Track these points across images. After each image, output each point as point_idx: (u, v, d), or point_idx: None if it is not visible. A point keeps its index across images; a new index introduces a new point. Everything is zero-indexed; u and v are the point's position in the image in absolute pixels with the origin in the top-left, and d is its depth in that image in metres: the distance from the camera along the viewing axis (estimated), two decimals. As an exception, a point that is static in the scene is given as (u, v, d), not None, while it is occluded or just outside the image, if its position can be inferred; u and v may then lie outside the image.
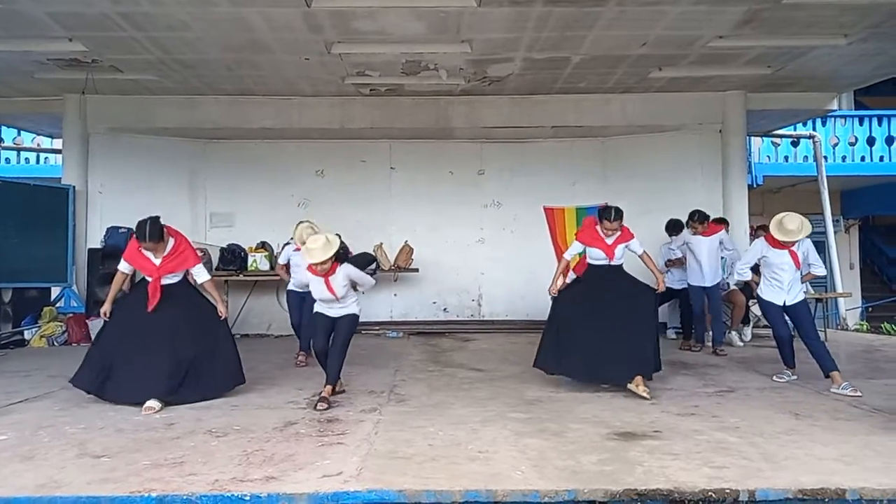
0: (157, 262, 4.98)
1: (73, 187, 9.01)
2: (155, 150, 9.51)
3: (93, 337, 8.06)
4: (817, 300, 8.56)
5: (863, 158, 13.13)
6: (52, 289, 9.02)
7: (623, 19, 6.57)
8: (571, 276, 6.24)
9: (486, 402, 4.86)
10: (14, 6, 6.17)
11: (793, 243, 5.43)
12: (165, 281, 5.03)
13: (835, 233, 11.91)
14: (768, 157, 13.18)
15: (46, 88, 8.74)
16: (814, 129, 12.39)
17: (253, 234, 9.47)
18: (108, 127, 9.29)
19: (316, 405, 4.70)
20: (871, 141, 13.13)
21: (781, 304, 5.53)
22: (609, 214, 5.46)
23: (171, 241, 5.07)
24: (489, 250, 9.98)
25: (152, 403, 4.66)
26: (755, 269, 5.86)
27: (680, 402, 4.82)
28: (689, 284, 7.50)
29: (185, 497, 2.95)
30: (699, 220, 7.40)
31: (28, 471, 3.32)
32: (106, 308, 5.05)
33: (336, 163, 9.90)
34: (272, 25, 6.67)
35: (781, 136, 12.44)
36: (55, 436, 3.97)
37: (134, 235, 4.98)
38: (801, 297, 5.57)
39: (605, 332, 5.18)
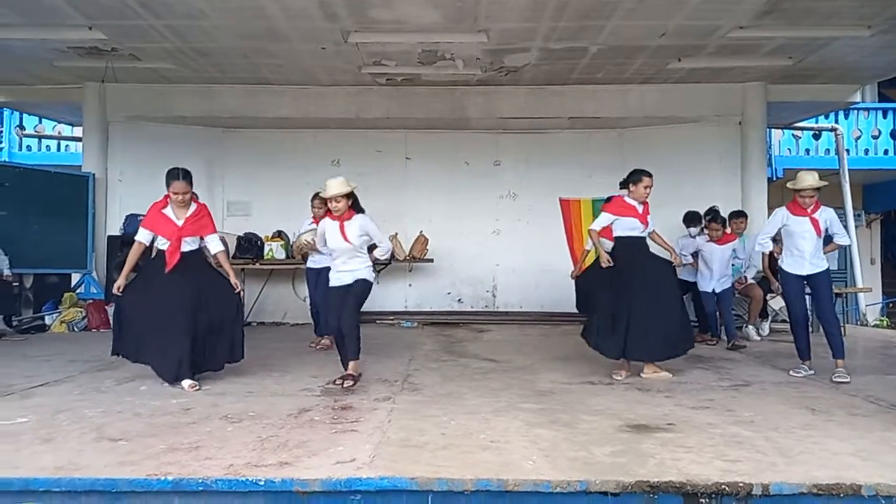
0: (180, 222, 5.01)
1: (93, 175, 9.12)
2: (173, 139, 9.57)
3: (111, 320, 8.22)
4: (836, 295, 8.45)
5: (886, 152, 12.92)
6: (73, 275, 9.16)
7: (641, 9, 6.51)
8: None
9: (499, 393, 4.86)
10: (35, -6, 6.25)
11: (813, 206, 5.38)
12: (184, 248, 5.03)
13: (856, 227, 11.76)
14: (789, 149, 13.01)
15: (66, 76, 8.84)
16: (836, 121, 12.23)
17: (269, 222, 9.51)
18: (127, 115, 9.39)
19: (343, 383, 4.86)
20: (894, 134, 12.91)
21: (803, 274, 5.45)
22: (646, 172, 5.45)
23: (193, 206, 5.13)
24: (504, 241, 9.97)
25: (193, 382, 4.85)
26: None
27: (695, 396, 4.79)
28: (700, 291, 7.49)
29: (200, 481, 2.98)
30: (723, 224, 7.36)
31: (47, 453, 3.37)
32: (120, 282, 4.96)
33: (352, 152, 9.91)
34: (288, 14, 6.68)
35: (802, 129, 12.27)
36: (74, 419, 4.03)
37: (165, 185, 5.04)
38: (823, 266, 5.45)
39: (639, 313, 5.24)
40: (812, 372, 5.52)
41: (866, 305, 11.26)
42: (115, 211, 9.26)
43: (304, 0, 6.34)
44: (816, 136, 12.79)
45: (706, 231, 7.45)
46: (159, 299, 4.90)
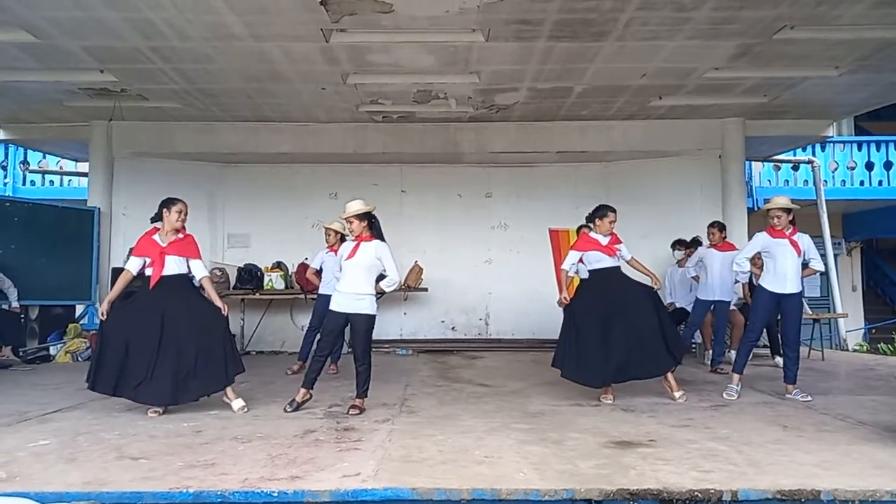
0: (164, 244, 5.20)
1: (99, 209, 9.42)
2: (176, 174, 9.87)
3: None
4: (815, 320, 8.80)
5: (861, 183, 13.42)
6: (77, 306, 9.39)
7: (623, 53, 6.95)
8: None
9: (492, 415, 5.14)
10: (53, 41, 6.62)
11: (791, 230, 5.75)
12: (169, 270, 5.17)
13: (836, 255, 12.16)
14: (769, 181, 13.49)
15: (75, 115, 9.20)
16: (813, 154, 12.70)
17: (268, 254, 9.83)
18: (132, 152, 9.72)
19: (348, 410, 5.13)
20: (869, 166, 13.42)
21: (784, 292, 5.71)
22: (611, 207, 5.75)
23: (181, 235, 5.30)
24: (496, 270, 10.30)
25: (158, 409, 5.09)
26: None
27: (676, 415, 5.08)
28: (696, 299, 7.70)
29: (219, 493, 3.24)
30: (719, 228, 7.59)
31: (73, 470, 3.63)
32: (104, 308, 5.10)
33: (349, 186, 10.19)
34: (291, 58, 7.08)
35: (781, 161, 12.75)
36: (93, 441, 4.28)
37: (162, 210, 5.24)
38: (800, 288, 5.77)
39: (617, 340, 5.49)
40: (740, 387, 5.87)
41: (846, 331, 11.59)
42: (119, 244, 9.53)
43: (306, 46, 6.74)
44: (795, 168, 13.28)
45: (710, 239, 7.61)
46: (147, 322, 5.07)
